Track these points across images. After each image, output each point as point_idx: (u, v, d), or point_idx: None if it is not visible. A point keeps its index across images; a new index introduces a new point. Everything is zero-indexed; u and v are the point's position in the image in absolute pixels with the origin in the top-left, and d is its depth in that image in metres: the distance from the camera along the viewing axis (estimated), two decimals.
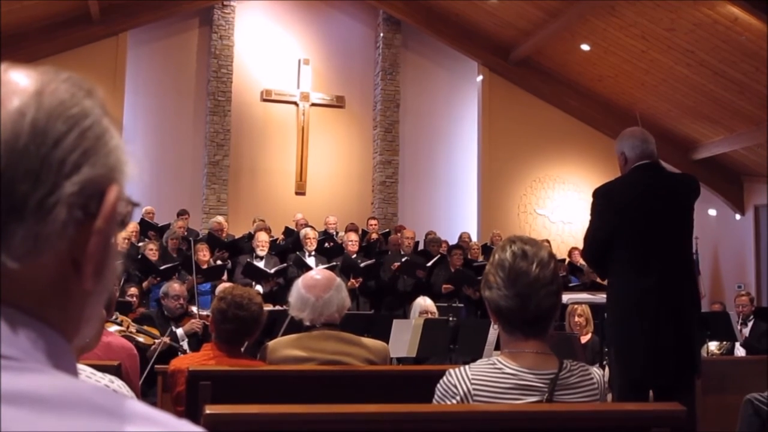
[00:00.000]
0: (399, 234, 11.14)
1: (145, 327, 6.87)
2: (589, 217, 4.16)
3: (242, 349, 3.64)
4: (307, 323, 3.31)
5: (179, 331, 6.81)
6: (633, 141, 4.08)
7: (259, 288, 9.27)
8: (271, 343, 3.37)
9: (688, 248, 4.19)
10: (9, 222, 0.69)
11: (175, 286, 7.24)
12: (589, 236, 4.10)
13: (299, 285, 3.36)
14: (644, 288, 3.87)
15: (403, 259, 10.04)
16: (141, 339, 6.51)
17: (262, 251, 9.81)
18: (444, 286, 9.81)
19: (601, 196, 4.09)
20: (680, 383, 3.89)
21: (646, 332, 3.85)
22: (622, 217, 3.96)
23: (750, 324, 9.12)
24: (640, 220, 3.94)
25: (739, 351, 8.73)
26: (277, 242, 11.30)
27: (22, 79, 0.74)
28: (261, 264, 9.63)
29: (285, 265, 9.73)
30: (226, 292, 3.60)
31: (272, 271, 9.42)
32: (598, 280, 10.38)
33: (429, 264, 9.92)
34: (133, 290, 8.31)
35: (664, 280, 3.89)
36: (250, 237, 10.64)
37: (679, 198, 4.08)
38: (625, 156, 4.09)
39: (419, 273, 9.85)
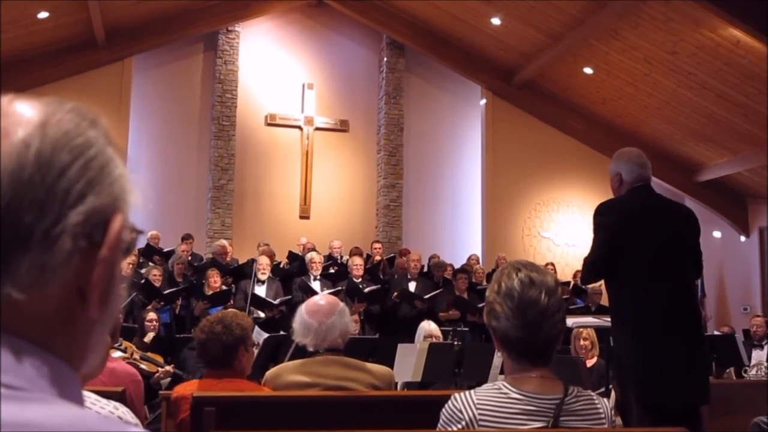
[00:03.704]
0: (405, 258, 11.10)
1: (149, 354, 6.85)
2: (592, 237, 4.13)
3: (246, 375, 3.61)
4: (311, 349, 3.30)
5: None
6: (631, 165, 4.14)
7: (260, 314, 9.27)
8: (274, 369, 3.35)
9: (691, 269, 4.17)
10: (14, 253, 0.69)
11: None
12: (596, 251, 4.05)
13: (302, 311, 3.35)
14: (654, 302, 3.89)
15: (401, 289, 9.98)
16: (144, 366, 6.50)
17: (263, 275, 9.81)
18: (448, 312, 9.77)
19: (606, 211, 4.12)
20: (692, 406, 3.89)
21: (658, 350, 3.84)
22: (629, 233, 3.97)
23: (766, 347, 9.02)
24: (647, 237, 3.97)
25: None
26: (281, 266, 11.29)
27: (26, 110, 0.74)
28: (263, 287, 9.64)
29: (290, 297, 9.71)
30: (203, 327, 3.55)
31: (277, 301, 9.42)
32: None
33: (427, 297, 9.83)
34: (152, 315, 8.23)
35: (672, 296, 3.92)
36: (255, 262, 10.64)
37: (682, 221, 4.14)
38: (621, 178, 4.15)
39: (418, 303, 9.79)
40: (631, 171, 4.12)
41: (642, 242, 3.96)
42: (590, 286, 11.56)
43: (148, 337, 7.56)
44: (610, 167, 4.23)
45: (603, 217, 4.10)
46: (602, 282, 4.38)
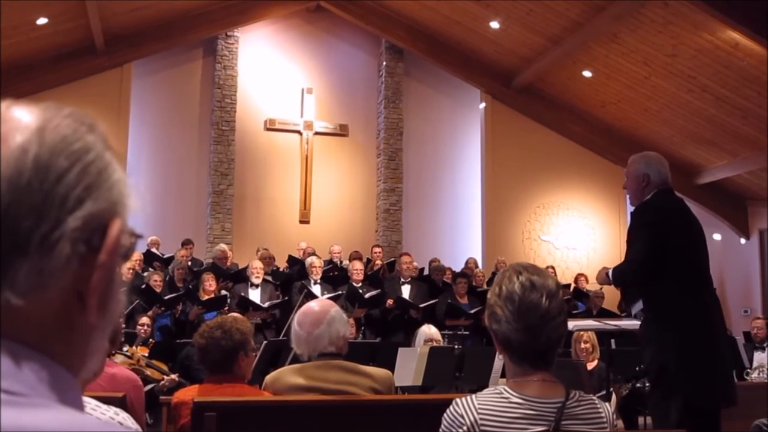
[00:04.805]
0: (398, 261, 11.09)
1: (155, 362, 6.84)
2: (634, 236, 4.13)
3: (247, 380, 3.60)
4: (304, 358, 3.30)
5: None
6: (660, 168, 4.26)
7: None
8: (274, 373, 3.34)
9: None
10: (13, 258, 0.69)
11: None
12: (643, 249, 4.02)
13: (295, 320, 3.36)
14: (701, 303, 3.96)
15: (397, 296, 9.96)
16: (149, 373, 6.49)
17: (257, 278, 9.79)
18: (447, 322, 9.78)
19: (649, 209, 4.15)
20: (724, 406, 3.92)
21: (707, 351, 3.88)
22: (673, 232, 4.03)
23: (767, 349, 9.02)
24: (687, 236, 4.07)
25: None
26: (281, 271, 11.27)
27: (24, 116, 0.74)
28: (257, 291, 9.64)
29: (279, 300, 9.69)
30: (203, 333, 3.54)
31: (266, 305, 9.39)
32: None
33: (423, 306, 9.78)
34: (144, 320, 8.21)
35: (713, 297, 4.04)
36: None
37: (700, 225, 4.29)
38: (650, 179, 4.22)
39: (413, 313, 9.77)
40: (659, 173, 4.23)
41: (683, 242, 4.04)
42: (591, 289, 11.59)
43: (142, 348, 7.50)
44: (635, 168, 4.28)
45: (646, 215, 4.15)
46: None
